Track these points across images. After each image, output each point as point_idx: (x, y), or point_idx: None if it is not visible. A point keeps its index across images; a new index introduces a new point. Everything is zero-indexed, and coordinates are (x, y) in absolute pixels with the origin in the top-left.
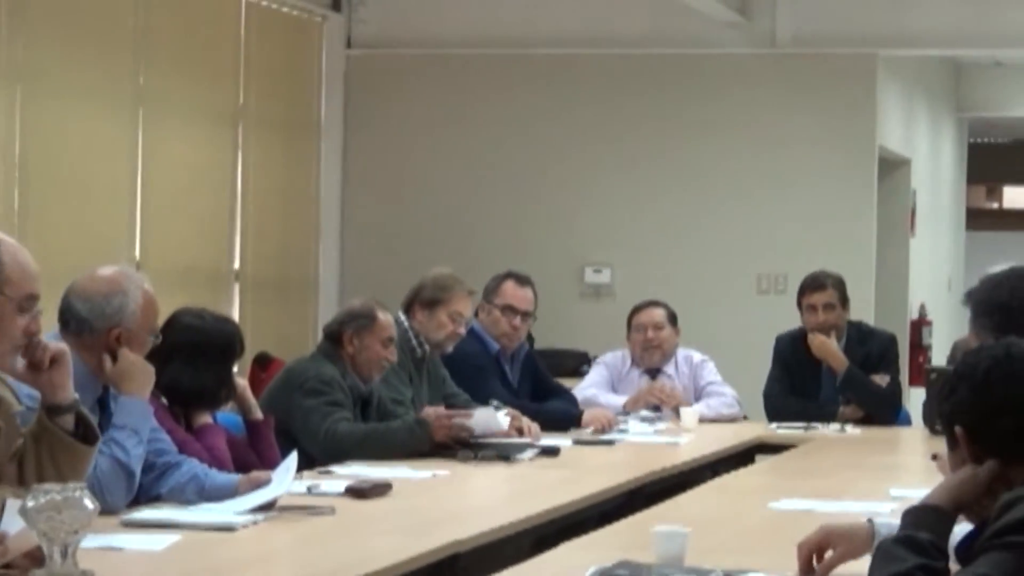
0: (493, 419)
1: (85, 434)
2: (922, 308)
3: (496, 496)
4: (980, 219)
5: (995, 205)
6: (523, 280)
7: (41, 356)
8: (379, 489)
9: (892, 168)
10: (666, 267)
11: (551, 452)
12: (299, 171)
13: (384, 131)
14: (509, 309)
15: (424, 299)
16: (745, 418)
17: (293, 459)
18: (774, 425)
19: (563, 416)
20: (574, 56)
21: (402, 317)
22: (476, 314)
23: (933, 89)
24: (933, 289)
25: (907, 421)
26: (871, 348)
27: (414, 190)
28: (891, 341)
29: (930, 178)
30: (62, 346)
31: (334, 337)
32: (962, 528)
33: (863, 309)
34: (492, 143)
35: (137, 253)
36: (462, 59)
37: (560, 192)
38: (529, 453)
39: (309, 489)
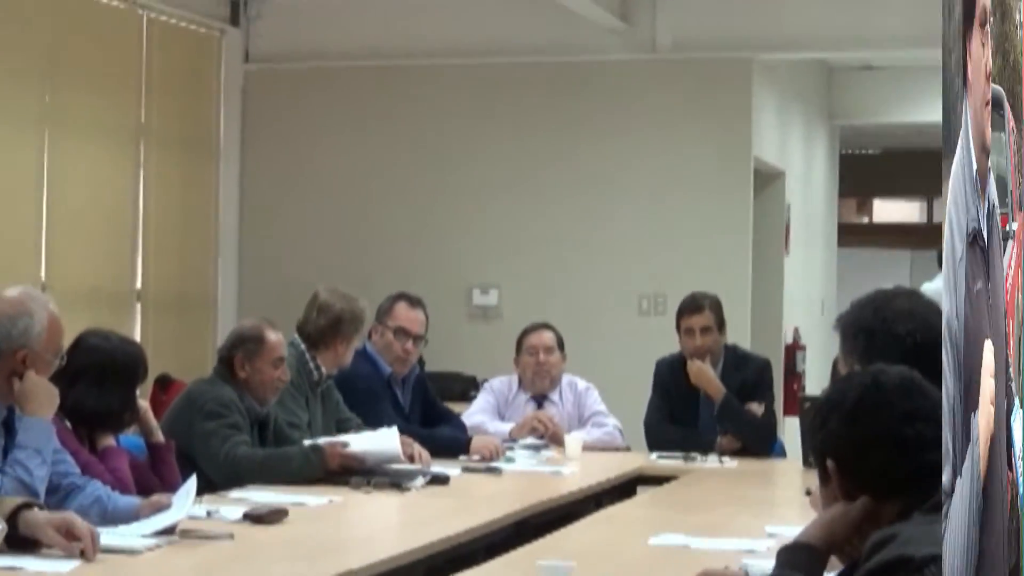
0: (386, 446)
1: None
2: (796, 332)
3: (388, 524)
4: (851, 235)
5: (865, 220)
6: (415, 302)
7: None
8: (275, 515)
9: (767, 181)
10: (551, 287)
11: (441, 480)
12: (198, 189)
13: (281, 147)
14: (401, 332)
15: (347, 333)
16: (628, 448)
17: (192, 483)
18: (655, 455)
19: (452, 443)
20: (459, 66)
21: (298, 339)
22: (369, 336)
23: (807, 96)
24: (807, 311)
25: (781, 452)
26: (747, 374)
27: (309, 208)
28: (766, 367)
29: (803, 192)
30: None
31: (226, 362)
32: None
33: (739, 332)
34: (382, 158)
35: (43, 273)
36: (356, 71)
37: (448, 209)
38: (420, 481)
39: (209, 513)
